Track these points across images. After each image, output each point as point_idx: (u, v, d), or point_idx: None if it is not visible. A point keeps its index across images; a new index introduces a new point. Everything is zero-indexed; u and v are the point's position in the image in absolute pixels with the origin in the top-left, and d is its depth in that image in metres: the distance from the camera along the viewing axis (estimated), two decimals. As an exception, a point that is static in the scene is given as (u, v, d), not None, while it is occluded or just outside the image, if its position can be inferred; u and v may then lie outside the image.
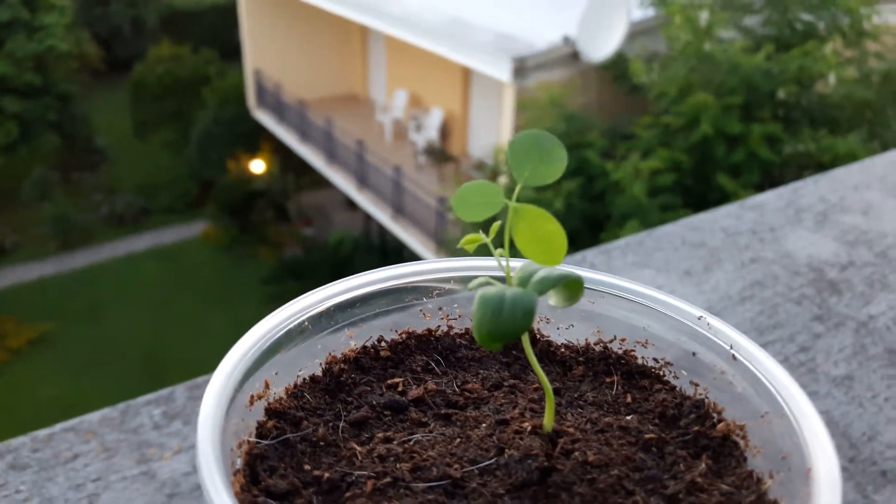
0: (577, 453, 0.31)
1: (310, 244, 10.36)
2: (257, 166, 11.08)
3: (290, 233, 10.84)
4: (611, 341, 0.39)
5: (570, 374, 0.38)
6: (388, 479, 0.29)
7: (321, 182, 10.29)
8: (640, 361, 0.38)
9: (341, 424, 0.33)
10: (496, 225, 0.32)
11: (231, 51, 12.30)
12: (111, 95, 13.47)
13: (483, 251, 0.33)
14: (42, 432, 0.54)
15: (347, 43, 10.89)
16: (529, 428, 0.32)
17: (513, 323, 0.26)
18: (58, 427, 0.55)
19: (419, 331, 0.39)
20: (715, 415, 0.35)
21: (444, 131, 9.11)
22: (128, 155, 12.57)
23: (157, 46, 12.77)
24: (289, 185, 11.09)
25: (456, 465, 0.30)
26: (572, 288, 0.31)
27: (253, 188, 10.82)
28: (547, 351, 0.39)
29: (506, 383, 0.36)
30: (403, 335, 0.38)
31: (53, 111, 11.41)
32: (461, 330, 0.40)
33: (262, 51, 10.71)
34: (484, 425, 0.33)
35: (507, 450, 0.31)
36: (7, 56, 10.78)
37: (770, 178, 5.87)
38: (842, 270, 0.78)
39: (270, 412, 0.33)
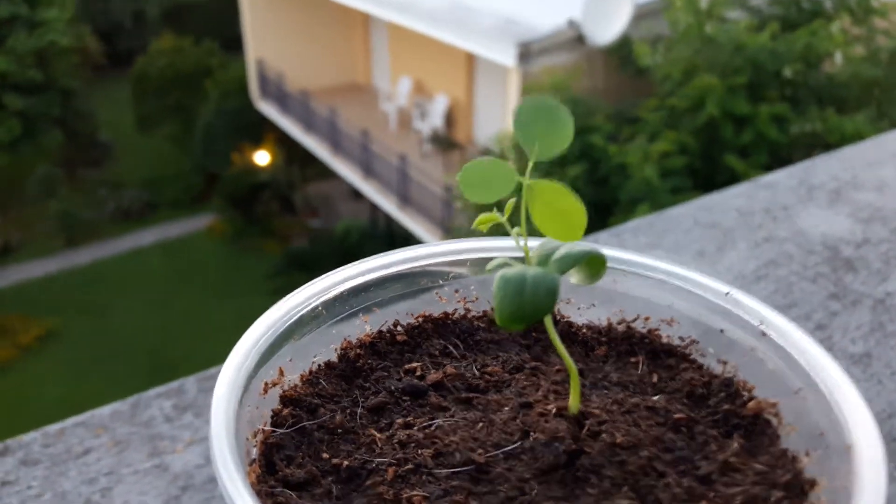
0: (604, 435, 0.30)
1: (316, 235, 10.36)
2: (262, 158, 11.07)
3: (296, 224, 10.84)
4: (634, 320, 0.38)
5: (592, 354, 0.37)
6: (409, 466, 0.29)
7: (326, 173, 10.27)
8: (665, 340, 0.37)
9: (359, 411, 0.32)
10: (511, 203, 0.31)
11: (233, 42, 12.26)
12: (113, 90, 13.45)
13: (496, 231, 0.32)
14: (53, 427, 0.54)
15: (350, 31, 10.84)
16: (554, 410, 0.31)
17: (535, 303, 0.25)
18: (69, 422, 0.54)
19: (435, 314, 0.38)
20: (745, 393, 0.34)
21: (450, 118, 9.07)
22: (132, 149, 12.58)
23: (158, 39, 12.74)
24: (294, 176, 11.08)
25: (480, 450, 0.29)
26: (594, 265, 0.30)
27: (258, 180, 10.81)
28: (568, 332, 0.38)
29: (527, 366, 0.35)
30: (420, 319, 0.38)
31: (56, 107, 11.41)
32: (478, 312, 0.39)
33: (264, 41, 10.67)
34: (507, 409, 0.32)
35: (532, 433, 0.30)
36: (8, 52, 10.77)
37: (778, 158, 5.83)
38: (857, 248, 0.77)
39: (285, 400, 0.32)
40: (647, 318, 0.38)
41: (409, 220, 8.34)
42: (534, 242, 0.31)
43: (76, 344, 8.63)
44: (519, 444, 0.30)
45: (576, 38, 7.02)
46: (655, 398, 0.33)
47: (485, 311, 0.39)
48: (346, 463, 0.29)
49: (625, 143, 6.11)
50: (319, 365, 0.35)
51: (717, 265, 0.73)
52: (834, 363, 0.31)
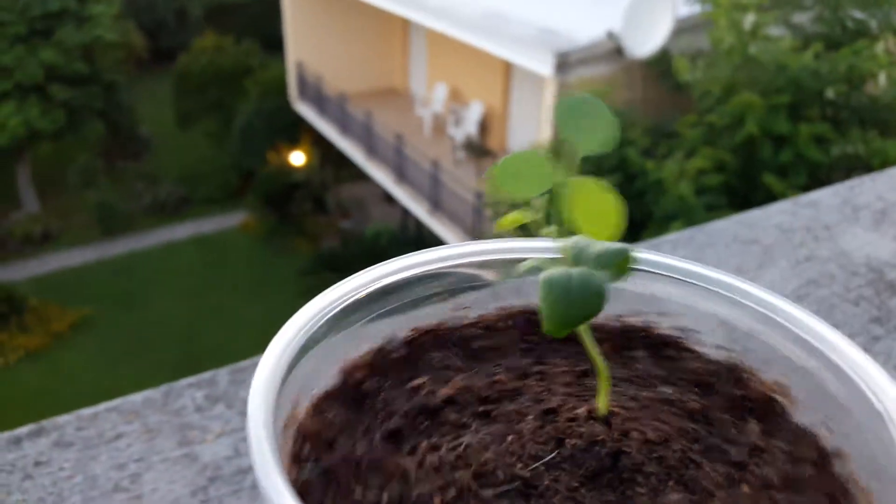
0: (634, 433, 0.30)
1: (347, 237, 10.42)
2: (297, 158, 11.18)
3: (328, 225, 10.92)
4: (627, 316, 0.36)
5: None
6: (453, 492, 0.27)
7: (360, 175, 10.34)
8: (661, 332, 0.36)
9: (376, 438, 0.30)
10: (544, 199, 0.30)
11: (274, 42, 12.41)
12: (155, 86, 13.70)
13: (521, 234, 0.32)
14: (86, 411, 0.54)
15: (388, 36, 10.91)
16: (585, 413, 0.30)
17: (584, 305, 0.24)
18: (102, 406, 0.55)
19: (427, 324, 0.36)
20: (751, 376, 0.33)
21: (484, 126, 9.08)
22: (170, 145, 12.78)
23: (201, 37, 12.95)
24: (328, 177, 11.17)
25: (520, 465, 0.28)
26: (624, 264, 0.29)
27: (293, 180, 10.92)
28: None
29: (532, 370, 0.34)
30: (413, 332, 0.35)
31: (99, 100, 11.65)
32: (474, 318, 0.37)
33: (304, 43, 10.79)
34: (530, 417, 0.31)
35: (567, 440, 0.29)
36: (56, 45, 11.03)
37: (818, 179, 5.74)
38: (902, 272, 0.75)
39: (300, 435, 0.30)
40: (642, 312, 0.36)
41: (438, 226, 8.36)
42: (563, 243, 0.30)
43: (109, 333, 8.78)
44: (557, 453, 0.29)
45: (614, 50, 6.99)
46: (668, 391, 0.32)
47: (479, 316, 0.37)
48: (386, 496, 0.27)
49: (662, 159, 6.06)
50: (322, 392, 0.32)
51: (757, 282, 0.72)
52: (844, 338, 0.30)
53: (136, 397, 0.56)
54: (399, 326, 0.35)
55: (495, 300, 0.37)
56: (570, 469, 0.28)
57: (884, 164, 5.33)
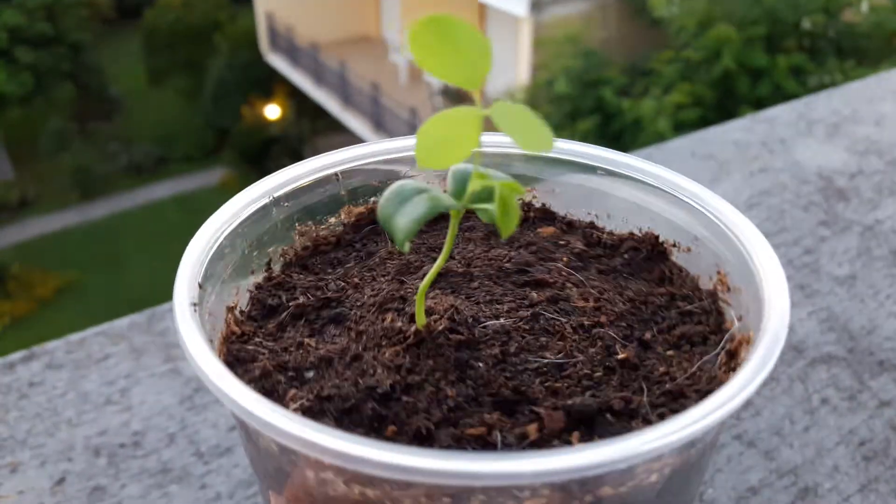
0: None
1: (327, 189, 10.36)
2: (272, 112, 11.04)
3: (307, 178, 10.84)
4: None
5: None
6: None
7: (337, 126, 10.24)
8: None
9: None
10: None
11: (242, -6, 12.13)
12: (123, 43, 13.38)
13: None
14: (75, 336, 0.57)
15: (359, -18, 10.70)
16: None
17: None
18: (90, 331, 0.58)
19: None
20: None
21: (460, 71, 8.97)
22: (143, 104, 12.56)
23: (166, -8, 12.61)
24: (304, 130, 11.06)
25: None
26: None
27: (269, 134, 10.80)
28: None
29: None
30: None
31: (67, 61, 11.38)
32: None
33: (274, -7, 10.56)
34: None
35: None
36: (18, 6, 10.72)
37: (792, 110, 5.75)
38: (850, 178, 0.79)
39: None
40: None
41: (420, 174, 8.33)
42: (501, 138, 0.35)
43: (94, 296, 8.76)
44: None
45: (589, -12, 6.91)
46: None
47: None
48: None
49: (639, 97, 6.04)
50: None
51: (712, 194, 0.75)
52: (725, 203, 0.35)
53: (122, 322, 0.59)
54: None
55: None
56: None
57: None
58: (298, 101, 10.89)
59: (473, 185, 0.26)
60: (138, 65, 12.66)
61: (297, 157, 11.04)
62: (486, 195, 0.26)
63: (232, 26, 11.80)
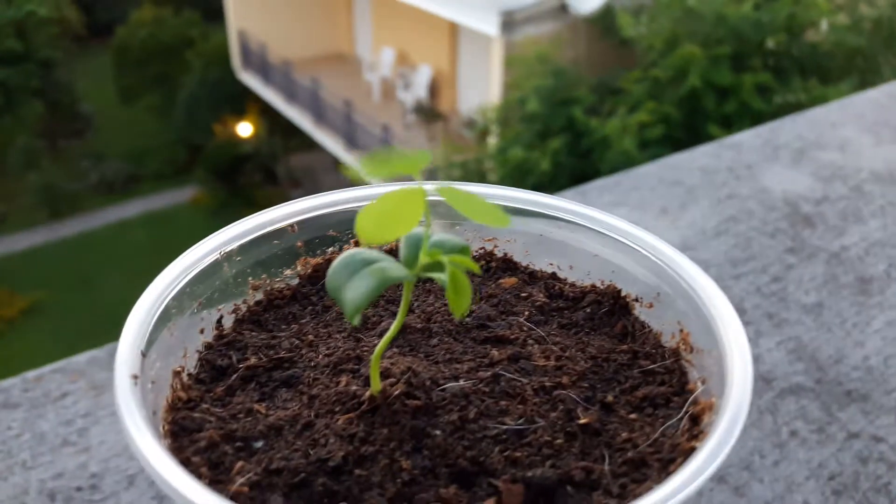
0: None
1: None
2: (244, 129, 10.98)
3: (278, 195, 10.78)
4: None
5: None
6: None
7: (309, 144, 10.21)
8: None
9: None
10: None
11: (215, 12, 12.09)
12: (94, 61, 13.25)
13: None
14: (31, 373, 0.56)
15: (331, 0, 10.71)
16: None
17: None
18: (47, 368, 0.56)
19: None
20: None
21: (433, 89, 9.02)
22: (114, 121, 12.43)
23: (138, 9, 12.53)
24: (277, 147, 11.01)
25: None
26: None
27: (241, 151, 10.74)
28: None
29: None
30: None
31: (36, 78, 11.23)
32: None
33: (246, 10, 10.53)
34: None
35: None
36: (-14, 23, 10.59)
37: (759, 128, 5.86)
38: (816, 205, 0.80)
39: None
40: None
41: (393, 192, 8.31)
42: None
43: (62, 317, 8.60)
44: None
45: (559, 7, 6.99)
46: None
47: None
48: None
49: (607, 116, 6.11)
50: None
51: (679, 221, 0.76)
52: (690, 262, 0.35)
53: (81, 357, 0.57)
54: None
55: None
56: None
57: (823, 111, 5.46)
58: (271, 119, 10.85)
59: (423, 258, 0.25)
60: (110, 82, 12.54)
61: (269, 174, 10.99)
62: (439, 264, 0.25)
63: (204, 43, 11.75)
